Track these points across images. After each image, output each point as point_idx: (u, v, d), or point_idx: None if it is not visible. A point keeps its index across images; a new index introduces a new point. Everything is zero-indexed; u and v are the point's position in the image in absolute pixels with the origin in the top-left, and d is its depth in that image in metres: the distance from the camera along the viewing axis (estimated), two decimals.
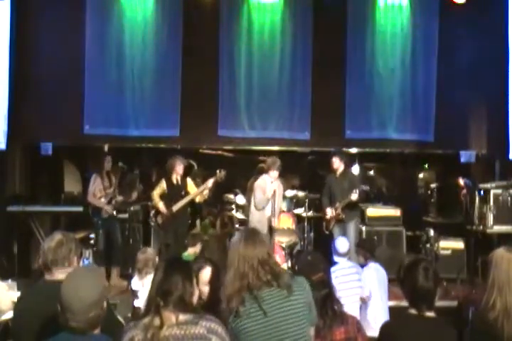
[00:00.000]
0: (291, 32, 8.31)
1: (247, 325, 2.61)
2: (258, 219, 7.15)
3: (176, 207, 7.22)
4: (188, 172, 8.06)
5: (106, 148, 8.47)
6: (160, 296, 2.37)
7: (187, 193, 7.33)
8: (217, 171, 7.29)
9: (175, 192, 7.29)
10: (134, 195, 7.64)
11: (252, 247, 2.72)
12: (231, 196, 8.55)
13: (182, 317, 2.37)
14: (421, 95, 8.43)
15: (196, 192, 7.32)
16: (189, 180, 7.47)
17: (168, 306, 2.35)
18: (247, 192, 7.66)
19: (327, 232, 7.35)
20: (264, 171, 7.29)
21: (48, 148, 8.03)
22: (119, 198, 7.61)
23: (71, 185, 9.16)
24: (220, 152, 9.08)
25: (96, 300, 2.30)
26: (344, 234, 6.98)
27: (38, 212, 7.82)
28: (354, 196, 7.04)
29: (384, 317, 5.11)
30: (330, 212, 7.25)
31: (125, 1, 8.10)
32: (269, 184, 7.12)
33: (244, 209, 7.75)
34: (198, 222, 9.06)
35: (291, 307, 2.66)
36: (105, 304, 2.38)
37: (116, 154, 8.14)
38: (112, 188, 7.58)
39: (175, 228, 7.23)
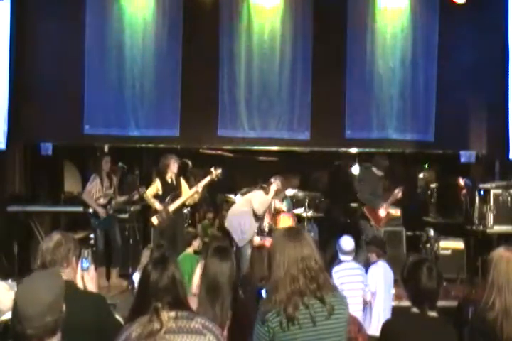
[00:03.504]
0: (291, 32, 8.30)
1: (297, 331, 2.49)
2: (248, 227, 7.07)
3: (172, 207, 7.20)
4: (183, 171, 8.04)
5: (106, 148, 8.48)
6: (156, 298, 2.36)
7: (181, 192, 7.29)
8: (212, 169, 7.25)
9: (169, 192, 7.23)
10: (135, 196, 7.62)
11: (299, 249, 2.58)
12: (231, 196, 8.55)
13: (178, 313, 2.36)
14: (421, 95, 8.43)
15: (192, 190, 7.28)
16: (182, 180, 7.45)
17: (164, 307, 2.35)
18: (241, 194, 7.60)
19: (381, 229, 7.41)
20: (264, 190, 7.21)
21: (48, 148, 8.03)
22: (120, 199, 7.60)
23: (71, 185, 9.16)
24: (220, 152, 9.08)
25: (52, 301, 2.11)
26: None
27: (38, 212, 7.83)
28: (400, 194, 7.32)
29: (388, 316, 5.12)
30: (384, 212, 7.33)
31: (125, 1, 8.11)
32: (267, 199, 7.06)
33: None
34: (197, 222, 9.08)
35: (335, 325, 2.55)
36: (64, 307, 2.19)
37: (116, 154, 8.14)
38: (112, 189, 7.58)
39: (172, 228, 7.21)
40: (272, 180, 7.22)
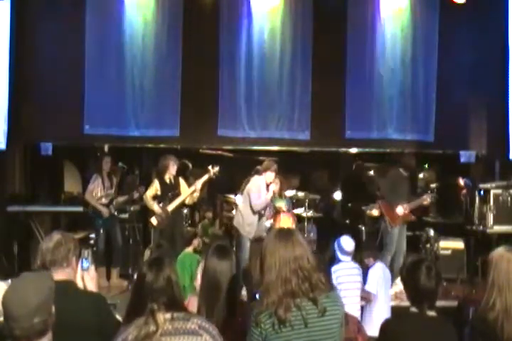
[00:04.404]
0: (291, 32, 8.30)
1: (289, 333, 2.47)
2: (250, 222, 7.11)
3: (171, 207, 7.20)
4: (182, 172, 8.05)
5: (106, 148, 8.48)
6: (151, 299, 2.36)
7: (179, 193, 7.29)
8: (209, 167, 7.25)
9: (168, 192, 7.23)
10: (136, 196, 7.62)
11: (291, 249, 2.55)
12: (231, 196, 8.54)
13: (174, 314, 2.37)
14: (421, 95, 8.43)
15: (191, 189, 7.29)
16: (181, 180, 7.45)
17: (160, 308, 2.35)
18: (241, 193, 7.61)
19: (392, 228, 7.23)
20: (259, 173, 7.27)
21: (48, 148, 8.03)
22: (120, 199, 7.61)
23: (71, 185, 9.16)
24: (220, 152, 9.07)
25: (40, 303, 2.11)
26: (401, 235, 7.12)
27: (38, 212, 7.83)
28: (428, 200, 7.16)
29: (388, 316, 5.12)
30: (402, 210, 7.13)
31: (125, 1, 8.10)
32: (263, 186, 7.07)
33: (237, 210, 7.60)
34: (198, 222, 9.07)
35: (327, 326, 2.53)
36: (53, 309, 2.18)
37: (116, 154, 8.14)
38: (113, 189, 7.59)
39: (171, 228, 7.22)
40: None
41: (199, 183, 7.25)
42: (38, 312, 2.10)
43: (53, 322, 2.19)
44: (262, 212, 7.18)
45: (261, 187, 7.08)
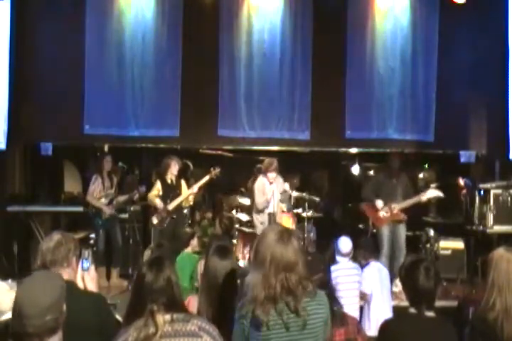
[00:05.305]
0: (291, 32, 8.30)
1: (267, 332, 2.44)
2: (261, 221, 7.22)
3: (171, 206, 7.26)
4: (184, 172, 8.09)
5: (106, 148, 8.48)
6: (151, 300, 2.36)
7: (181, 192, 7.39)
8: (212, 169, 7.36)
9: (170, 192, 7.32)
10: (136, 196, 7.64)
11: (285, 252, 2.49)
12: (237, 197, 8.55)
13: (174, 316, 2.37)
14: (421, 95, 8.43)
15: (189, 191, 7.38)
16: (183, 181, 7.52)
17: (160, 309, 2.35)
18: (247, 193, 7.69)
19: (374, 231, 7.26)
20: (261, 172, 7.33)
21: (48, 148, 8.03)
22: (121, 198, 7.62)
23: (71, 185, 9.16)
24: (220, 152, 9.07)
25: (52, 302, 2.13)
26: (394, 235, 7.10)
27: (38, 212, 7.83)
28: (424, 196, 7.10)
29: (387, 316, 5.11)
30: (381, 205, 7.12)
31: (125, 1, 8.10)
32: (267, 185, 7.16)
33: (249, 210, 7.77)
34: (198, 221, 9.08)
35: (310, 326, 2.50)
36: (64, 307, 2.21)
37: (116, 154, 8.15)
38: (113, 189, 7.60)
39: (172, 228, 7.25)
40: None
41: (196, 187, 7.36)
42: (50, 311, 2.12)
43: (64, 320, 2.21)
44: (272, 210, 7.22)
45: (264, 186, 7.16)
